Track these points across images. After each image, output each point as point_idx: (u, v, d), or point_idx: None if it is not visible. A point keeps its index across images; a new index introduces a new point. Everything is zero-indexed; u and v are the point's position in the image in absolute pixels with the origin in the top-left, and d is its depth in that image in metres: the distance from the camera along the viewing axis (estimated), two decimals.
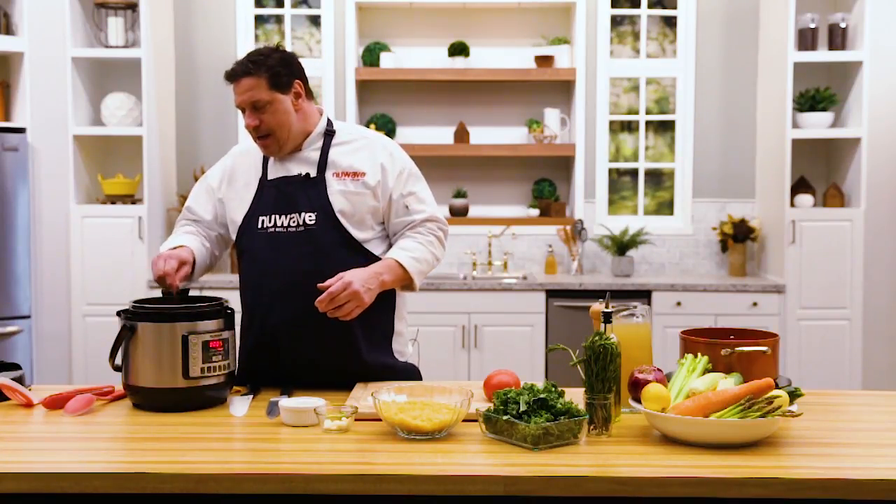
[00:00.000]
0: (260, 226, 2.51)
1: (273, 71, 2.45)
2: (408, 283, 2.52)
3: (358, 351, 2.49)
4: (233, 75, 2.48)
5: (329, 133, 2.56)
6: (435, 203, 2.63)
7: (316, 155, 2.54)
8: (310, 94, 2.57)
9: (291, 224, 2.48)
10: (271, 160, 2.57)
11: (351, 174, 2.51)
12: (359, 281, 2.34)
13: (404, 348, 2.66)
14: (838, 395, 2.54)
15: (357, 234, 2.49)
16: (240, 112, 2.72)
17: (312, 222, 2.47)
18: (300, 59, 2.58)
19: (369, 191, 2.50)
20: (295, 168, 2.53)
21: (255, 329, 2.53)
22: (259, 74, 2.44)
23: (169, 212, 5.40)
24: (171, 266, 2.40)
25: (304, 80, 2.55)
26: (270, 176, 2.55)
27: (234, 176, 2.62)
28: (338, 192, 2.49)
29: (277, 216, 2.50)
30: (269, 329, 2.49)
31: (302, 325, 2.46)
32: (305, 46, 5.71)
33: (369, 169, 2.52)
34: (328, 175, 2.51)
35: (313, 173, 2.51)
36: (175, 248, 2.50)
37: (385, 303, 2.53)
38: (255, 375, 2.51)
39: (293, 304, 2.45)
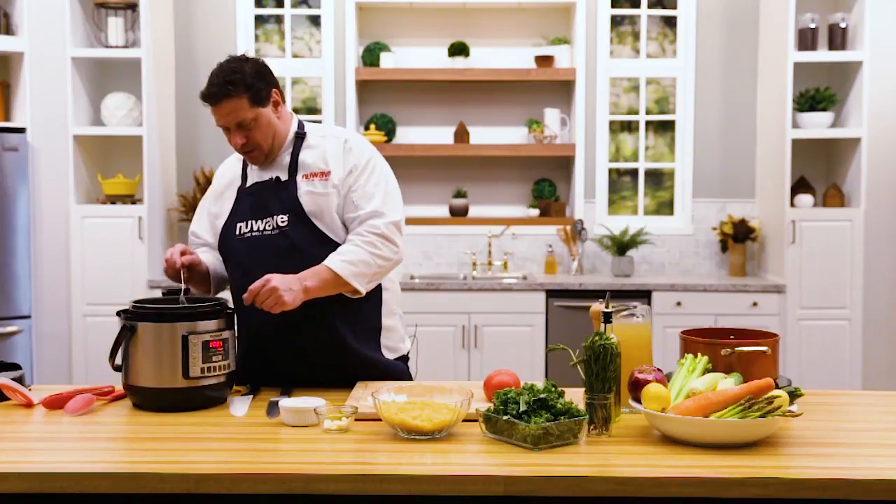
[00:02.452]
0: (237, 232, 2.55)
1: (252, 88, 2.45)
2: (351, 288, 2.43)
3: (344, 343, 2.50)
4: (211, 98, 2.46)
5: (299, 136, 2.58)
6: (390, 199, 2.52)
7: (288, 159, 2.55)
8: (284, 99, 2.58)
9: (267, 227, 2.51)
10: (249, 168, 2.60)
11: (319, 174, 2.51)
12: (279, 280, 2.34)
13: (397, 344, 2.65)
14: (838, 395, 2.53)
15: (329, 233, 2.49)
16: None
17: (285, 224, 2.49)
18: (270, 62, 2.59)
19: (335, 189, 2.50)
20: (269, 173, 2.56)
21: (243, 331, 2.55)
22: (239, 95, 2.43)
23: (169, 212, 5.40)
24: (175, 252, 2.45)
25: (278, 86, 2.56)
26: (248, 183, 2.59)
27: (220, 189, 2.67)
28: (306, 193, 2.50)
29: (253, 221, 2.53)
30: (255, 330, 2.51)
31: (284, 324, 2.46)
32: (305, 46, 5.71)
33: (333, 167, 2.51)
34: (298, 177, 2.52)
35: (284, 177, 2.53)
36: None
37: (370, 298, 2.54)
38: (252, 375, 2.52)
39: None
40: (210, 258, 2.62)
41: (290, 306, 2.34)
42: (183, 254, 2.47)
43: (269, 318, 2.39)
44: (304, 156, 2.54)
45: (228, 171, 2.67)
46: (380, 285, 2.58)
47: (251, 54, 2.57)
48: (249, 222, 2.53)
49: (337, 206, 2.50)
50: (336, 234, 2.50)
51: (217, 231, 2.62)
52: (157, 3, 5.18)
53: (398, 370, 2.61)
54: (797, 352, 5.02)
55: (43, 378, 5.09)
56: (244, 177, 2.61)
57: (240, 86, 2.43)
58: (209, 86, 2.46)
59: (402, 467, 1.82)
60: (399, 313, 2.68)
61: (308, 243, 2.46)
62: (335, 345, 2.49)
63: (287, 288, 2.33)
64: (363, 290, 2.44)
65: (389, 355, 2.61)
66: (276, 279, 2.33)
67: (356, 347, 2.51)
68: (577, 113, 5.50)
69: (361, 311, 2.54)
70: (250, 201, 2.55)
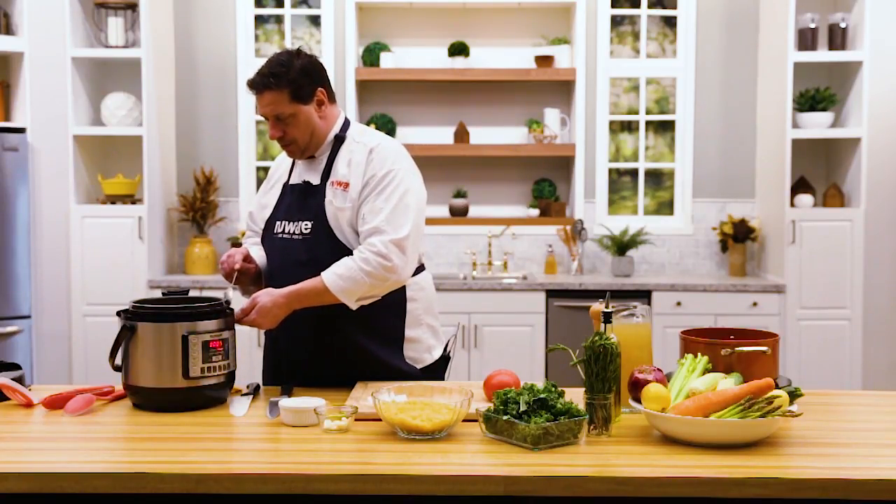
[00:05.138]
0: (275, 230, 2.57)
1: (294, 84, 2.45)
2: (340, 303, 2.41)
3: (366, 352, 2.49)
4: (253, 87, 2.49)
5: (339, 138, 2.56)
6: (398, 215, 2.44)
7: (325, 162, 2.55)
8: (332, 99, 2.56)
9: (296, 231, 2.52)
10: (296, 165, 2.62)
11: (343, 184, 2.49)
12: (264, 302, 2.39)
13: (422, 355, 2.59)
14: (838, 395, 2.54)
15: (349, 245, 2.48)
16: (248, 115, 2.72)
17: (308, 231, 2.50)
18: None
19: (351, 203, 2.47)
20: (307, 175, 2.57)
21: (268, 332, 2.60)
22: (280, 88, 2.44)
23: (169, 212, 5.40)
24: (238, 254, 2.54)
25: (327, 85, 2.54)
26: (292, 181, 2.60)
27: (272, 180, 2.69)
28: (330, 203, 2.50)
29: (287, 223, 2.55)
30: (274, 332, 2.55)
31: (299, 331, 2.49)
32: (305, 46, 5.70)
33: (353, 178, 2.49)
34: (328, 183, 2.51)
35: (316, 181, 2.53)
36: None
37: (391, 309, 2.52)
38: (278, 376, 2.57)
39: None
40: (261, 255, 2.64)
41: (275, 318, 2.40)
42: (245, 259, 2.54)
43: (286, 321, 2.43)
44: (339, 161, 2.52)
45: (281, 164, 2.69)
46: (404, 296, 2.54)
47: (308, 50, 2.55)
48: (284, 223, 2.55)
49: (350, 219, 2.48)
50: (355, 245, 2.47)
51: (263, 221, 2.65)
52: (157, 3, 5.18)
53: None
54: (797, 352, 5.02)
55: (43, 378, 5.09)
56: (290, 172, 2.62)
57: (282, 80, 2.44)
58: (256, 74, 2.49)
59: (402, 467, 1.82)
60: (428, 323, 2.62)
61: (328, 253, 2.44)
62: (356, 354, 2.49)
63: (267, 313, 2.38)
64: (352, 307, 2.42)
65: (414, 365, 2.58)
66: (261, 303, 2.38)
67: (378, 354, 2.50)
68: (577, 113, 5.50)
69: (381, 321, 2.51)
70: (288, 201, 2.57)
